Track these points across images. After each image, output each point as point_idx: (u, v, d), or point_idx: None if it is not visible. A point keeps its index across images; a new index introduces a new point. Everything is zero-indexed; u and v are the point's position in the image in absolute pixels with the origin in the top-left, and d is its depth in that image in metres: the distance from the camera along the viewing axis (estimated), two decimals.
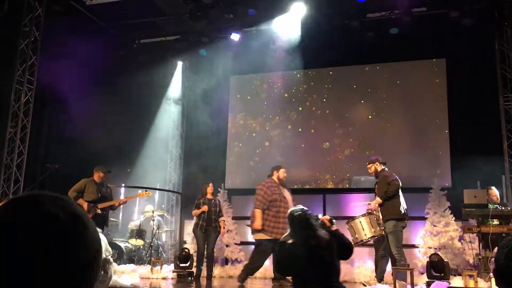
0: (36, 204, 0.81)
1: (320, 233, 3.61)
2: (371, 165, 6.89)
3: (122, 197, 9.46)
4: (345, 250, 3.72)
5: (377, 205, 6.57)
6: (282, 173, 7.00)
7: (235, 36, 10.31)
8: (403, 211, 6.38)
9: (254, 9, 9.77)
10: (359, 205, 7.52)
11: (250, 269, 6.88)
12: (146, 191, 8.49)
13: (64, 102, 9.98)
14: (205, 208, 7.82)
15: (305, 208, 3.82)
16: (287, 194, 6.86)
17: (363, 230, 6.28)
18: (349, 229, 6.39)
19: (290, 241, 3.58)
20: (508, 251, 1.32)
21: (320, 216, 4.03)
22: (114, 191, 8.88)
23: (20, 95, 8.81)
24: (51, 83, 9.63)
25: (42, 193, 0.84)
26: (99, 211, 7.13)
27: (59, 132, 10.22)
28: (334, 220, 3.90)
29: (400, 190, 6.53)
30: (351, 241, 6.34)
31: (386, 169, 6.85)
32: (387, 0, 9.43)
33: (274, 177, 6.97)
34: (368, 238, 6.28)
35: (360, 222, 6.33)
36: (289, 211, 3.88)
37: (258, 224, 6.61)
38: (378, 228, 6.35)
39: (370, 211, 6.73)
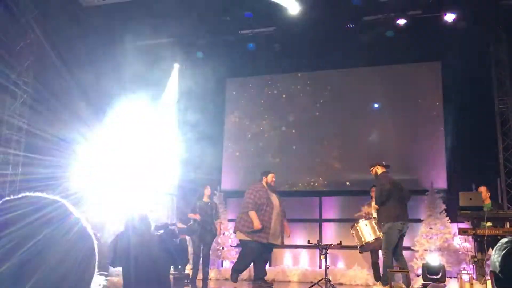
0: (31, 205, 0.81)
1: None
2: (372, 168, 6.94)
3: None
4: None
5: (372, 210, 6.64)
6: (270, 178, 7.09)
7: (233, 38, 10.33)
8: (397, 213, 6.41)
9: (250, 11, 9.79)
10: (355, 215, 7.54)
11: (237, 270, 6.96)
12: None
13: (61, 104, 9.95)
14: (197, 216, 7.84)
15: None
16: (274, 199, 6.92)
17: (368, 232, 6.32)
18: (354, 232, 6.41)
19: None
20: (504, 254, 1.32)
21: None
22: None
23: (16, 97, 8.77)
24: (49, 84, 9.61)
25: (37, 195, 0.84)
26: None
27: (56, 133, 10.17)
28: None
29: (397, 193, 6.54)
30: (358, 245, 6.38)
31: (389, 172, 6.85)
32: (383, 2, 9.45)
33: (263, 182, 7.05)
34: (373, 240, 6.32)
35: (365, 225, 6.36)
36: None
37: (257, 224, 6.66)
38: (381, 232, 6.40)
39: (368, 216, 6.77)
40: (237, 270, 6.96)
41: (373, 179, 8.13)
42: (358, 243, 6.36)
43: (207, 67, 10.51)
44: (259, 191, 6.86)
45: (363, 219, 6.51)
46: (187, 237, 8.85)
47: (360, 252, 7.01)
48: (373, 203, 6.68)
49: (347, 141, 10.47)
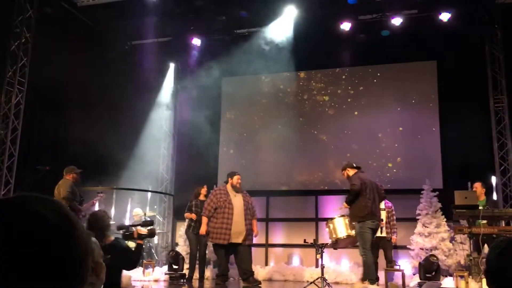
0: (25, 205, 0.81)
1: None
2: (343, 171, 7.03)
3: (114, 200, 9.43)
4: None
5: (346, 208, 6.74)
6: (235, 180, 7.23)
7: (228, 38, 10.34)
8: (367, 212, 6.48)
9: (246, 11, 9.79)
10: (336, 210, 7.65)
11: (220, 277, 7.07)
12: (101, 192, 8.39)
13: (55, 104, 9.93)
14: (193, 216, 7.88)
15: None
16: (237, 199, 7.03)
17: (340, 229, 6.39)
18: (328, 229, 6.48)
19: None
20: (499, 252, 1.33)
21: None
22: (106, 194, 8.87)
23: (10, 97, 8.75)
24: (42, 85, 9.58)
25: (31, 194, 0.84)
26: (84, 213, 7.09)
27: (50, 134, 10.15)
28: None
29: (368, 192, 6.57)
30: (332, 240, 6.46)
31: (361, 173, 6.89)
32: (378, 2, 9.47)
33: (228, 184, 7.24)
34: (344, 236, 6.37)
35: (339, 222, 6.44)
36: None
37: (202, 230, 7.06)
38: (353, 230, 6.46)
39: (344, 214, 6.82)
40: (218, 274, 7.18)
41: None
42: (331, 239, 6.45)
43: (203, 66, 10.50)
44: (218, 194, 7.08)
45: (339, 215, 6.58)
46: (184, 237, 8.85)
47: (334, 249, 7.09)
48: (344, 204, 6.78)
49: (343, 139, 10.48)
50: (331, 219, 6.64)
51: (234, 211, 6.87)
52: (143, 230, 4.10)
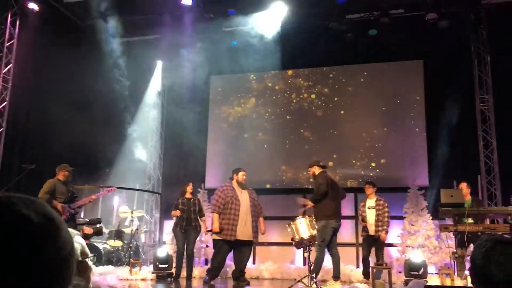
0: (8, 205, 0.80)
1: None
2: (310, 168, 7.10)
3: (101, 198, 9.33)
4: None
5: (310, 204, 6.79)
6: (241, 176, 7.24)
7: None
8: (332, 211, 6.64)
9: (234, 9, 9.77)
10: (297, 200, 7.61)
11: (211, 269, 7.08)
12: (110, 187, 8.33)
13: (41, 102, 9.82)
14: (178, 213, 7.82)
15: None
16: (244, 196, 7.04)
17: (303, 229, 6.43)
18: (290, 229, 6.51)
19: None
20: (484, 251, 1.33)
21: None
22: (93, 192, 8.78)
23: None
24: (28, 82, 9.47)
25: (14, 195, 0.83)
26: (72, 211, 6.98)
27: (36, 132, 10.03)
28: None
29: (332, 192, 6.67)
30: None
31: (326, 172, 6.99)
32: (366, 1, 9.52)
33: (234, 180, 7.24)
34: (308, 236, 6.41)
35: (300, 223, 6.46)
36: None
37: (215, 226, 6.97)
38: (315, 231, 6.50)
39: (307, 213, 6.81)
40: (211, 269, 7.15)
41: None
42: (293, 239, 6.50)
43: (191, 64, 10.47)
44: (225, 190, 7.07)
45: (300, 216, 6.60)
46: (171, 235, 8.82)
47: (297, 248, 7.13)
48: (308, 202, 6.82)
49: (331, 138, 10.52)
50: (293, 221, 6.66)
51: (240, 208, 6.85)
52: (89, 229, 4.02)
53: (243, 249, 6.94)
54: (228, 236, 6.74)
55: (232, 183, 7.23)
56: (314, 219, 6.56)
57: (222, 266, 7.14)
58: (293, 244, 6.67)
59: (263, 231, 7.21)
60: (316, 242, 6.53)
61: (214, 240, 7.18)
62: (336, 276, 6.77)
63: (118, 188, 9.32)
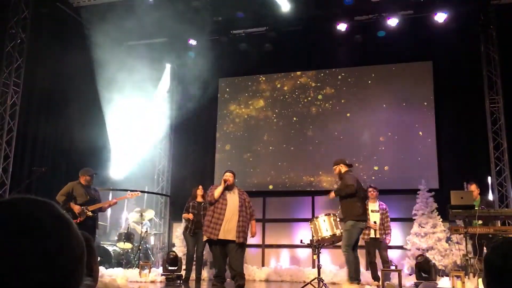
0: (19, 207, 0.81)
1: None
2: (335, 166, 6.99)
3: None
4: None
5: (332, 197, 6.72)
6: (224, 176, 7.13)
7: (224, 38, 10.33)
8: (361, 212, 6.55)
9: (242, 12, 9.79)
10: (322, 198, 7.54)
11: (216, 278, 6.94)
12: (135, 191, 8.40)
13: (52, 105, 9.90)
14: (190, 216, 7.85)
15: None
16: (233, 196, 6.94)
17: (325, 228, 6.35)
18: (312, 226, 6.44)
19: None
20: (503, 253, 1.32)
21: None
22: (103, 194, 8.81)
23: (6, 98, 8.72)
24: (38, 85, 9.55)
25: (26, 196, 0.84)
26: (89, 214, 7.03)
27: (46, 135, 10.12)
28: None
29: (360, 193, 6.63)
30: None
31: (352, 172, 6.92)
32: (374, 3, 9.49)
33: (222, 181, 7.19)
34: (329, 235, 6.33)
35: (323, 221, 6.39)
36: None
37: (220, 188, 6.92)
38: (339, 230, 6.42)
39: (330, 213, 6.74)
40: (214, 275, 7.03)
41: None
42: (314, 237, 6.39)
43: (199, 66, 10.50)
44: (214, 189, 7.02)
45: (322, 214, 6.54)
46: (181, 237, 8.84)
47: (309, 247, 7.05)
48: (331, 193, 6.74)
49: (339, 140, 10.48)
50: (316, 217, 6.59)
51: (227, 207, 6.79)
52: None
53: (230, 249, 6.83)
54: (212, 234, 6.61)
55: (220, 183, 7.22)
56: (339, 219, 6.50)
57: (223, 270, 7.02)
58: (315, 242, 6.51)
59: (253, 233, 7.09)
60: (342, 243, 6.47)
61: (207, 243, 7.05)
62: (356, 279, 6.54)
63: (127, 190, 9.37)
